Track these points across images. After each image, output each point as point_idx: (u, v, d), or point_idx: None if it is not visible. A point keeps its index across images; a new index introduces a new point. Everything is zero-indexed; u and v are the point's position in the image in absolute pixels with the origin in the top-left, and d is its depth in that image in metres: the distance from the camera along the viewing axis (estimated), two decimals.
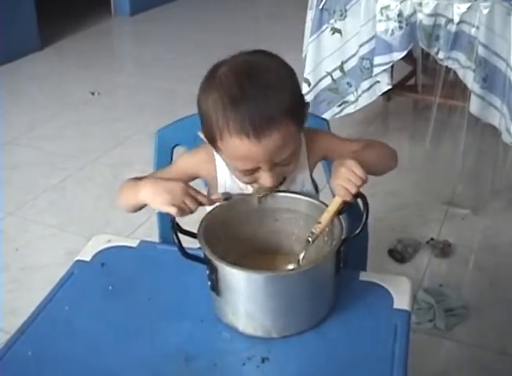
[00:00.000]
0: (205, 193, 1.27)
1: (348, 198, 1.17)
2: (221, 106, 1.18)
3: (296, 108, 1.23)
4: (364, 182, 1.17)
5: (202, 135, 1.29)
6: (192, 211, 1.21)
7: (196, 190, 1.23)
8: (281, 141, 1.19)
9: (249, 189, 1.34)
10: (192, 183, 1.29)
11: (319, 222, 1.19)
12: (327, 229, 1.20)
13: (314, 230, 1.19)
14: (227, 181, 1.37)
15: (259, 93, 1.17)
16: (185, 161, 1.41)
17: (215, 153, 1.33)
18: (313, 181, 1.43)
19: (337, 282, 1.21)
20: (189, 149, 1.56)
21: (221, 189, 1.38)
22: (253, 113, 1.16)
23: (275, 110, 1.17)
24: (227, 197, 1.27)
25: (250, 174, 1.26)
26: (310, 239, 1.19)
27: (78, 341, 1.17)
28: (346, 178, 1.16)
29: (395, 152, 1.41)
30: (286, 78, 1.24)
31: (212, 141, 1.25)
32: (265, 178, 1.25)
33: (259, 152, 1.19)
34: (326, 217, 1.19)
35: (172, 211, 1.18)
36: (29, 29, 4.90)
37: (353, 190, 1.16)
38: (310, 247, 1.19)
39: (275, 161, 1.22)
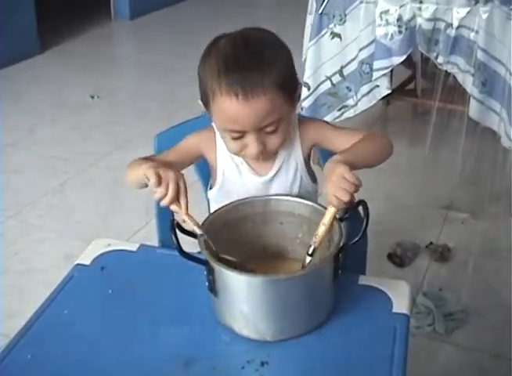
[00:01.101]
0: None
1: (342, 207, 1.18)
2: (216, 69, 1.25)
3: (286, 80, 1.28)
4: (357, 186, 1.16)
5: (200, 102, 1.35)
6: (165, 196, 1.19)
7: (185, 188, 1.22)
8: (267, 106, 1.25)
9: (246, 172, 1.40)
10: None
11: (316, 235, 1.21)
12: (328, 237, 1.21)
13: (312, 244, 1.21)
14: (226, 164, 1.41)
15: (252, 60, 1.25)
16: (190, 140, 1.44)
17: (216, 135, 1.40)
18: (311, 171, 1.46)
19: (336, 286, 1.21)
20: None
21: (220, 172, 1.41)
22: (244, 77, 1.23)
23: (265, 76, 1.24)
24: (201, 233, 1.20)
25: (237, 138, 1.30)
26: (309, 253, 1.21)
27: (78, 345, 1.17)
28: (338, 187, 1.16)
29: (388, 140, 1.40)
30: (281, 52, 1.31)
31: (206, 103, 1.31)
32: (251, 145, 1.30)
33: (245, 113, 1.25)
34: (322, 230, 1.20)
35: (153, 181, 1.17)
36: (29, 32, 4.90)
37: (346, 198, 1.15)
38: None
39: (260, 125, 1.27)
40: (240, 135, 1.29)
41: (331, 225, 1.20)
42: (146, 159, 1.34)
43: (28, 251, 2.70)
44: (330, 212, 1.19)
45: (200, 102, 1.35)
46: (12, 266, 2.59)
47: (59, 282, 1.33)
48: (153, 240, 1.70)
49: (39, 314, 1.24)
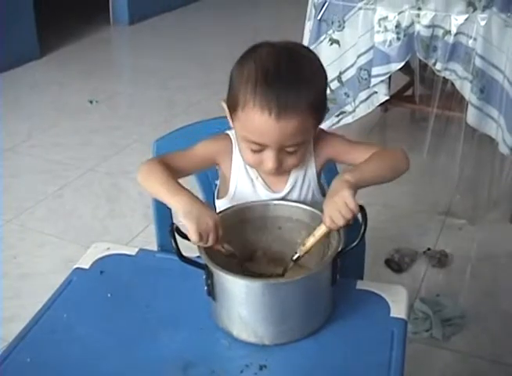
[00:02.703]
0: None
1: (334, 229, 1.19)
2: (254, 77, 1.22)
3: (320, 105, 1.29)
4: (354, 214, 1.17)
5: (223, 104, 1.33)
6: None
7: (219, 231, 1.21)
8: (296, 129, 1.23)
9: (260, 188, 1.37)
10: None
11: (304, 244, 1.23)
12: (333, 242, 1.22)
13: (297, 252, 1.24)
14: (240, 176, 1.39)
15: (293, 78, 1.22)
16: (206, 147, 1.40)
17: (233, 146, 1.37)
18: (322, 186, 1.44)
19: (334, 291, 1.22)
20: None
21: (232, 184, 1.39)
22: (282, 95, 1.20)
23: (303, 98, 1.22)
24: (231, 252, 1.25)
25: (256, 152, 1.28)
26: (293, 258, 1.25)
27: (77, 348, 1.18)
28: (337, 210, 1.17)
29: (404, 154, 1.38)
30: (320, 75, 1.30)
31: (233, 108, 1.27)
32: (268, 161, 1.27)
33: (273, 130, 1.22)
34: (310, 242, 1.23)
35: (194, 239, 1.16)
36: (28, 37, 4.91)
37: (340, 223, 1.17)
38: (312, 259, 1.23)
39: (283, 144, 1.25)
40: (260, 148, 1.27)
41: (320, 240, 1.22)
42: (163, 161, 1.31)
43: (27, 255, 2.70)
44: (322, 229, 1.21)
45: (223, 103, 1.33)
46: (11, 270, 2.59)
47: (58, 286, 1.33)
48: (152, 245, 1.70)
49: (38, 318, 1.25)
